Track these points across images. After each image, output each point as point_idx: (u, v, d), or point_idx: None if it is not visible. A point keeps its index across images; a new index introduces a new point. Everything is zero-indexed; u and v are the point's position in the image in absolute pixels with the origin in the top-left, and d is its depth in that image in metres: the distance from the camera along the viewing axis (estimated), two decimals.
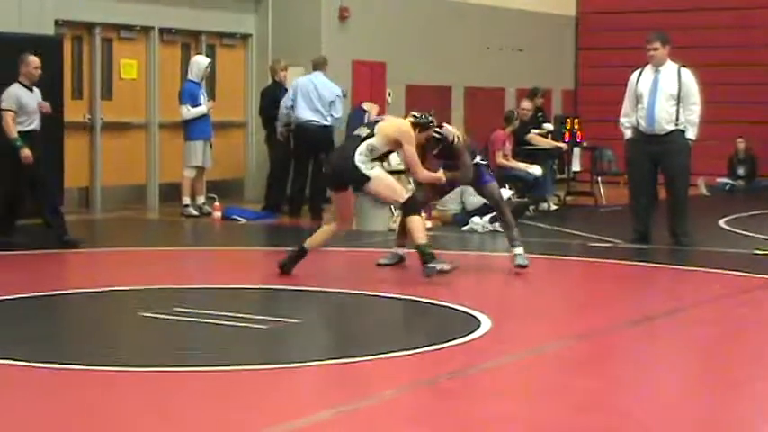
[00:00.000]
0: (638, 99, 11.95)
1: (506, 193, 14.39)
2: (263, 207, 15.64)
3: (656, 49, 11.97)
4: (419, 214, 10.00)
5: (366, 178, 9.90)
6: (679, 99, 11.85)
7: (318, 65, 15.56)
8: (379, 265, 10.66)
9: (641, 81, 12.01)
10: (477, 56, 19.58)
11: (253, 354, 7.32)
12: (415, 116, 10.16)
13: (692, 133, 11.88)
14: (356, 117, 15.85)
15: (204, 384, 6.47)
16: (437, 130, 10.39)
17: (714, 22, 21.28)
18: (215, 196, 15.58)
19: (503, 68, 19.96)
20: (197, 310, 8.37)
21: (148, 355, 7.32)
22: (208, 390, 6.33)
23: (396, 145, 10.03)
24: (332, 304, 9.24)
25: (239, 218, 14.91)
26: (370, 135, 9.96)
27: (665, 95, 11.84)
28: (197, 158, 15.27)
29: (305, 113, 15.22)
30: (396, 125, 10.13)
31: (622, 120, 12.15)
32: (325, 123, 15.22)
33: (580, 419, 5.82)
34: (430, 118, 10.18)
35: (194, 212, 15.25)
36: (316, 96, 15.24)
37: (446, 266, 9.72)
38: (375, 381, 6.59)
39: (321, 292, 9.54)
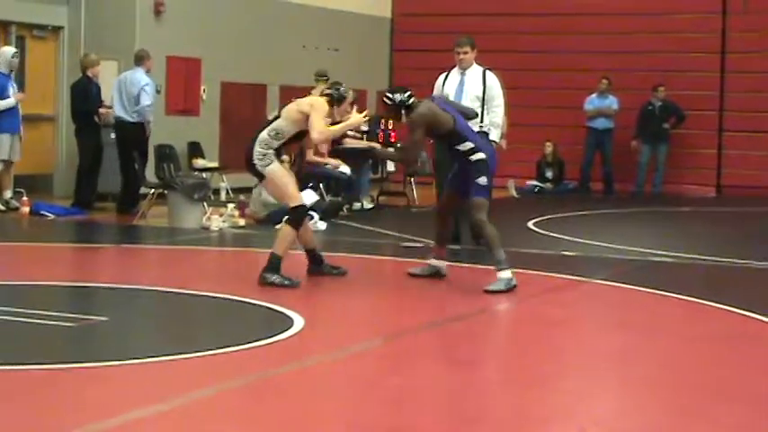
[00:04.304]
0: None
1: (312, 195, 14.44)
2: (73, 203, 15.35)
3: (465, 53, 12.17)
4: (298, 228, 9.74)
5: (261, 175, 9.66)
6: (484, 101, 12.06)
7: (137, 59, 15.39)
8: (410, 274, 10.21)
9: (448, 83, 12.20)
10: (294, 54, 19.57)
11: (59, 352, 7.15)
12: (329, 92, 9.78)
13: (495, 135, 12.06)
14: None
15: (9, 384, 6.29)
16: (386, 93, 9.90)
17: (522, 27, 21.76)
18: (23, 191, 15.23)
19: (319, 68, 19.96)
20: (1, 307, 8.13)
21: None
22: (13, 390, 6.16)
23: (305, 123, 9.63)
24: (143, 302, 9.10)
25: (48, 213, 14.59)
26: (277, 117, 9.69)
27: (471, 97, 12.04)
28: (4, 152, 14.90)
29: (117, 110, 15.28)
30: (308, 100, 9.82)
31: None
32: (131, 119, 15.10)
33: (392, 416, 5.88)
34: (342, 90, 9.78)
35: (1, 207, 14.87)
36: (125, 93, 15.15)
37: (285, 282, 9.55)
38: (186, 380, 6.51)
39: (132, 289, 9.40)
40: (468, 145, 9.76)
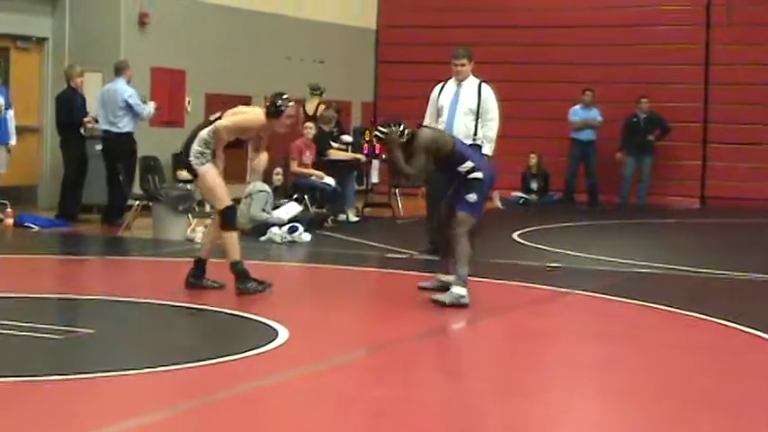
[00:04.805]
0: (439, 112, 12.10)
1: (295, 207, 14.45)
2: (57, 214, 15.32)
3: (462, 65, 12.12)
4: (234, 229, 9.77)
5: (195, 172, 9.66)
6: (478, 114, 12.05)
7: (117, 70, 15.39)
8: (420, 288, 10.11)
9: (443, 94, 12.16)
10: (279, 66, 19.58)
11: (46, 365, 7.14)
12: (267, 105, 9.66)
13: (488, 149, 12.01)
14: None
15: None
16: (379, 128, 9.79)
17: (506, 39, 21.77)
18: (7, 202, 15.19)
19: (304, 79, 19.98)
20: None
21: None
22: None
23: (241, 132, 9.64)
24: (128, 314, 9.09)
25: (32, 225, 14.57)
26: (219, 118, 9.63)
27: (465, 109, 12.02)
28: None
29: (101, 122, 15.29)
30: (248, 108, 9.81)
31: None
32: (116, 131, 15.11)
33: (375, 428, 5.88)
34: (279, 103, 9.60)
35: None
36: (109, 105, 15.15)
37: (259, 288, 9.56)
38: (171, 392, 6.52)
39: (117, 301, 9.39)
40: (469, 164, 9.72)
